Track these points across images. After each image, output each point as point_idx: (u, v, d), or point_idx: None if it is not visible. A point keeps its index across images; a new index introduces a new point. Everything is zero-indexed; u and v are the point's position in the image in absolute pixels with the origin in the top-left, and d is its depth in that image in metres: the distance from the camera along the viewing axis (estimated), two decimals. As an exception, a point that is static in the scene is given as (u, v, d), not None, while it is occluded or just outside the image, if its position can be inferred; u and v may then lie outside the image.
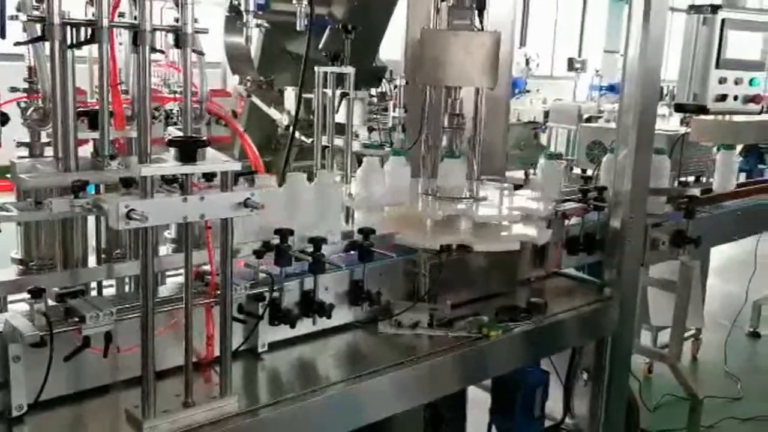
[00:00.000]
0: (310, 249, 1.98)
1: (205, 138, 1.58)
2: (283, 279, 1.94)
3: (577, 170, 4.07)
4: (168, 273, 2.13)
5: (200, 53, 1.91)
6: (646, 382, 4.22)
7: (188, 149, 1.50)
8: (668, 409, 3.93)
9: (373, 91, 3.92)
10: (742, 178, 4.40)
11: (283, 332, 1.99)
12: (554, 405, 2.85)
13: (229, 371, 1.64)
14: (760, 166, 5.05)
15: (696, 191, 3.21)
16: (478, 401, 2.78)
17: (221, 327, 1.64)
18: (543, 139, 10.31)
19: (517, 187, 2.84)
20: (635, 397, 3.13)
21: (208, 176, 1.67)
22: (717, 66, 2.81)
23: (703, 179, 4.09)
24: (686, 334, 4.13)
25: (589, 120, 8.79)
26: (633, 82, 2.53)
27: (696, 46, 2.82)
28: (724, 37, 2.75)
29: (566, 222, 2.74)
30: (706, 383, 4.15)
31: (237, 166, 1.60)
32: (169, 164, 1.49)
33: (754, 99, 2.94)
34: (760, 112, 3.04)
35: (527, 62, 11.47)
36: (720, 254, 5.26)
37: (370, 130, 5.19)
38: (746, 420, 3.93)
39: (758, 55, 2.91)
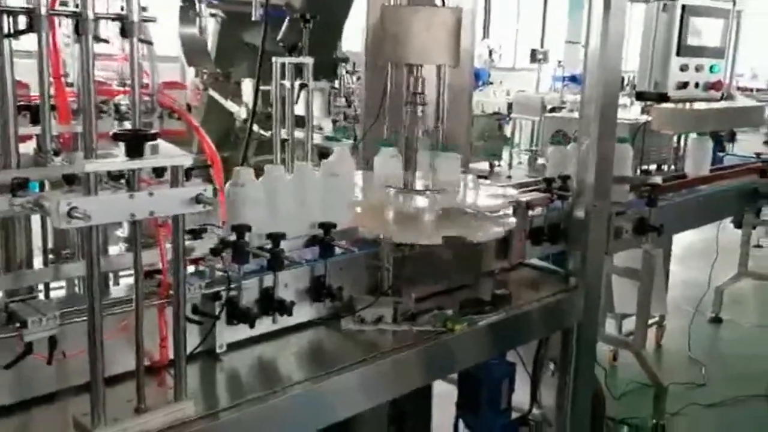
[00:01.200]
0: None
1: (153, 131, 1.51)
2: (241, 277, 1.88)
3: (541, 161, 4.06)
4: (122, 273, 2.05)
5: (148, 43, 1.83)
6: (611, 370, 4.23)
7: (135, 143, 1.43)
8: (634, 396, 3.95)
9: (334, 83, 3.87)
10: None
11: (243, 332, 1.93)
12: (522, 396, 2.84)
13: (183, 374, 1.57)
14: (719, 153, 5.11)
15: (658, 179, 3.20)
16: (447, 395, 2.75)
17: (174, 329, 1.57)
18: (507, 130, 10.34)
19: (481, 177, 2.81)
20: (601, 386, 3.13)
21: (160, 172, 1.60)
22: (678, 53, 2.81)
23: (665, 167, 4.12)
24: (650, 321, 4.15)
25: (552, 110, 8.83)
26: (594, 72, 2.52)
27: (656, 33, 2.81)
28: (684, 23, 2.75)
29: (530, 212, 2.71)
30: (671, 370, 4.19)
31: (187, 160, 1.53)
32: (114, 159, 1.42)
33: (714, 86, 2.95)
34: (720, 99, 3.05)
35: (490, 54, 11.47)
36: (682, 241, 5.32)
37: (335, 122, 5.13)
38: (710, 406, 3.96)
39: (718, 42, 2.91)
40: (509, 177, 8.66)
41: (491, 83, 11.36)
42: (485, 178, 2.82)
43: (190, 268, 1.96)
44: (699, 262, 5.38)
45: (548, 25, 15.57)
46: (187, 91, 2.30)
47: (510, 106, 10.29)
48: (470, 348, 2.22)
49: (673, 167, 4.04)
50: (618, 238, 3.04)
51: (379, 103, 2.67)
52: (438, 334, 2.11)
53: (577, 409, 2.73)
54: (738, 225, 5.06)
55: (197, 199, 1.49)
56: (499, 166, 8.47)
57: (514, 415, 2.79)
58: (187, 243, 1.86)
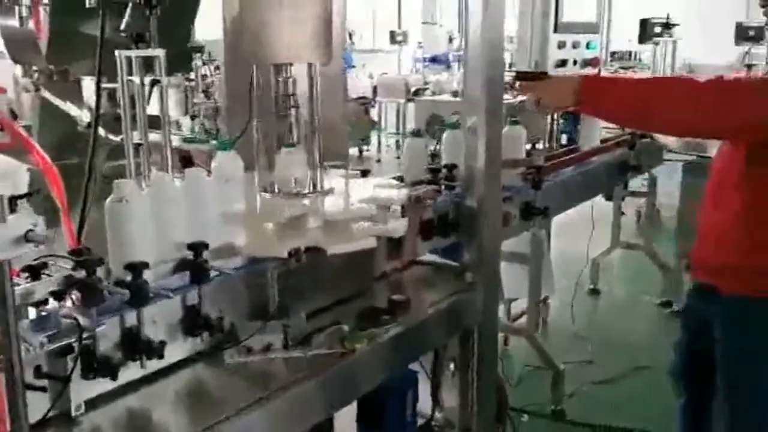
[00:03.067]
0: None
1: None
2: (96, 321, 1.53)
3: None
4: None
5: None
6: (504, 355, 4.18)
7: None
8: (529, 381, 3.90)
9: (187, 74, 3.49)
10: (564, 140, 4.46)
11: (105, 384, 1.59)
12: (423, 401, 2.67)
13: (26, 459, 1.23)
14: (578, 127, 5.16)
15: (541, 160, 3.12)
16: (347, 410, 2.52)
17: (9, 401, 1.23)
18: (373, 114, 10.22)
19: (364, 173, 2.59)
20: (502, 379, 3.03)
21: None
22: (555, 30, 2.70)
23: (539, 146, 4.08)
24: (535, 301, 4.12)
25: (416, 93, 8.77)
26: (477, 53, 2.33)
27: (534, 10, 2.69)
28: (560, -2, 2.65)
29: (420, 207, 2.53)
30: (560, 348, 4.18)
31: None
32: None
33: (591, 62, 2.88)
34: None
35: (350, 36, 11.29)
36: (558, 217, 5.38)
37: (193, 117, 4.70)
38: (602, 383, 3.98)
39: (594, 17, 2.84)
40: (378, 161, 8.51)
41: (354, 66, 11.20)
42: (367, 173, 2.58)
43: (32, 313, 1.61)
44: (574, 236, 5.46)
45: (404, 5, 15.57)
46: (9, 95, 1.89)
47: (375, 89, 10.15)
48: (374, 366, 1.99)
49: (548, 145, 4.01)
50: (507, 224, 2.93)
51: (247, 104, 2.39)
52: (336, 356, 1.87)
53: (482, 407, 2.59)
54: (608, 198, 5.19)
55: (27, 238, 1.15)
56: (368, 150, 8.30)
57: (419, 421, 2.62)
58: (25, 285, 1.52)
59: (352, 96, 9.59)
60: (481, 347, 2.50)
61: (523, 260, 3.42)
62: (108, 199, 1.68)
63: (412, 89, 9.33)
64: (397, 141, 9.17)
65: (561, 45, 2.74)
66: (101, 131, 2.73)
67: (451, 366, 2.65)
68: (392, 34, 11.28)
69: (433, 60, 10.81)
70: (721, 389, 2.36)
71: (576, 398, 3.77)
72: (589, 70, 2.88)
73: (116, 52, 2.19)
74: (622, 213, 6.23)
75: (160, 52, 2.24)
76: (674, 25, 6.36)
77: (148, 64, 2.30)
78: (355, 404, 2.43)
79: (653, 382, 2.76)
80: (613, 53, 12.00)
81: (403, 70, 11.61)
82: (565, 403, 3.60)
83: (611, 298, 5.42)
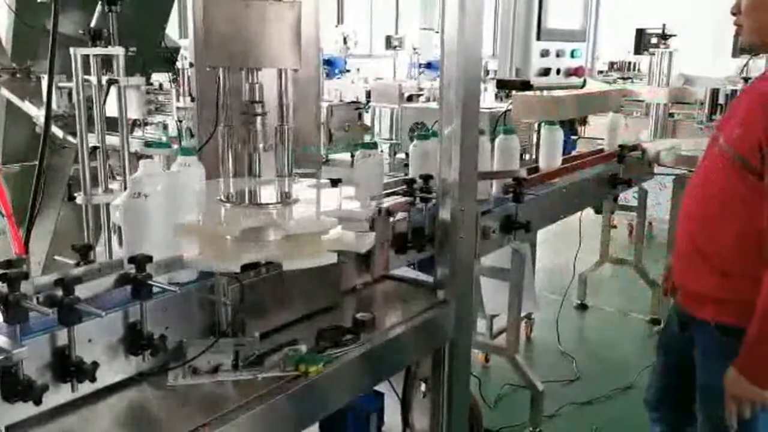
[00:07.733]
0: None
1: None
2: (19, 340, 1.42)
3: (401, 155, 3.82)
4: None
5: None
6: (483, 372, 4.06)
7: None
8: (508, 400, 3.78)
9: (160, 76, 3.38)
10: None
11: (31, 407, 1.47)
12: (392, 422, 2.56)
13: None
14: (573, 137, 5.09)
15: (523, 172, 3.01)
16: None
17: None
18: (367, 119, 10.11)
19: (334, 182, 2.47)
20: (476, 400, 2.91)
21: None
22: (538, 38, 2.58)
23: (527, 157, 3.98)
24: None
25: (410, 98, 8.67)
26: (453, 59, 2.22)
27: (515, 16, 2.58)
28: (544, 5, 2.52)
29: (391, 219, 2.41)
30: (543, 366, 4.07)
31: None
32: None
33: (576, 72, 2.76)
34: (583, 86, 2.88)
35: (345, 40, 11.17)
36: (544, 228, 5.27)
37: (180, 121, 4.61)
38: (585, 404, 3.86)
39: (578, 25, 2.72)
40: (370, 168, 8.29)
41: (348, 71, 11.10)
42: (337, 182, 2.47)
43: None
44: (561, 249, 5.35)
45: (402, 11, 15.50)
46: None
47: (369, 94, 10.06)
48: (332, 391, 1.87)
49: (534, 157, 3.91)
50: (486, 238, 2.82)
51: (215, 109, 2.28)
52: (290, 379, 1.75)
53: (453, 429, 2.47)
54: (597, 211, 5.07)
55: None
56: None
57: (386, 444, 2.51)
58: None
59: (346, 100, 9.51)
60: (452, 367, 2.39)
61: (504, 276, 3.30)
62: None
63: (407, 95, 9.23)
64: (389, 147, 9.07)
65: (544, 53, 2.62)
66: (59, 133, 2.63)
67: (423, 386, 2.53)
68: (388, 39, 11.18)
69: (429, 66, 10.68)
70: (700, 424, 2.21)
71: (557, 419, 3.64)
72: (573, 80, 2.76)
73: (71, 50, 2.09)
74: (614, 226, 6.14)
75: (119, 51, 2.14)
76: (671, 35, 6.25)
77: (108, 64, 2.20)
78: (316, 426, 2.32)
79: (638, 403, 2.63)
80: (612, 64, 11.93)
81: (399, 75, 11.51)
82: (545, 424, 3.47)
83: (599, 314, 5.30)
